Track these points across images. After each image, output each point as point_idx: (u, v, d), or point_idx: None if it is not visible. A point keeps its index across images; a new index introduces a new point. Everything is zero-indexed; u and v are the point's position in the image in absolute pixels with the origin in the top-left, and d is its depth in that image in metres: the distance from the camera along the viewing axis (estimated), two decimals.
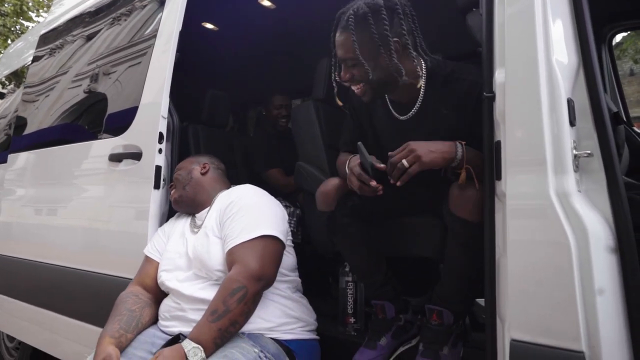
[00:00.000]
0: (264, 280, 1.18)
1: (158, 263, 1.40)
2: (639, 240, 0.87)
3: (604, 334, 0.80)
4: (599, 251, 0.84)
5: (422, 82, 1.26)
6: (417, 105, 1.28)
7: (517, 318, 0.89)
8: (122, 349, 1.18)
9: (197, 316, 1.19)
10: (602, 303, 0.82)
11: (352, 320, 1.51)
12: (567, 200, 0.86)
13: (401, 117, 1.32)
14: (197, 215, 1.45)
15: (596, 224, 0.86)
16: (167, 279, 1.32)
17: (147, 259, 1.43)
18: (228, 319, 1.10)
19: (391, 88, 1.26)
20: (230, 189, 1.45)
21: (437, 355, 1.19)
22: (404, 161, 1.10)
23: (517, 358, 0.87)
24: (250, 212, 1.26)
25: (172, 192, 1.50)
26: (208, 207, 1.41)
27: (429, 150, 1.10)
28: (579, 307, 0.82)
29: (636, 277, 0.84)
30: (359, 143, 1.18)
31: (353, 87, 1.26)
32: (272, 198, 1.40)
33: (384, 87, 1.25)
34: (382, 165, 1.17)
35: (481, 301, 1.62)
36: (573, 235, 0.84)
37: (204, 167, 1.52)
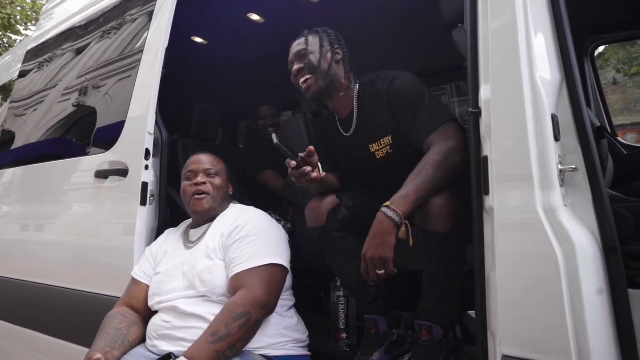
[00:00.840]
0: (268, 308, 1.19)
1: (145, 285, 1.38)
2: (625, 253, 0.88)
3: (593, 347, 0.81)
4: (586, 265, 0.85)
5: (355, 101, 1.43)
6: (354, 121, 1.43)
7: (507, 333, 0.90)
8: None
9: (186, 335, 1.18)
10: (591, 315, 0.82)
11: (344, 335, 1.50)
12: (554, 214, 0.87)
13: (346, 134, 1.47)
14: (192, 230, 1.42)
15: (583, 238, 0.87)
16: (159, 296, 1.30)
17: (135, 281, 1.40)
18: (227, 342, 1.10)
19: (332, 89, 1.39)
20: (231, 208, 1.44)
21: None
22: (379, 272, 1.15)
23: None
24: (258, 239, 1.26)
25: (204, 198, 1.36)
26: (208, 225, 1.39)
27: (378, 245, 1.14)
28: (568, 321, 0.82)
29: (623, 290, 0.85)
30: (275, 141, 1.21)
31: (301, 82, 1.38)
32: (276, 224, 1.39)
33: (327, 82, 1.37)
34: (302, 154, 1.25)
35: (473, 313, 1.62)
36: (560, 249, 0.85)
37: (230, 188, 1.48)
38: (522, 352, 0.86)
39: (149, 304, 1.33)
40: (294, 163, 1.22)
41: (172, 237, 1.47)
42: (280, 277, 1.25)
